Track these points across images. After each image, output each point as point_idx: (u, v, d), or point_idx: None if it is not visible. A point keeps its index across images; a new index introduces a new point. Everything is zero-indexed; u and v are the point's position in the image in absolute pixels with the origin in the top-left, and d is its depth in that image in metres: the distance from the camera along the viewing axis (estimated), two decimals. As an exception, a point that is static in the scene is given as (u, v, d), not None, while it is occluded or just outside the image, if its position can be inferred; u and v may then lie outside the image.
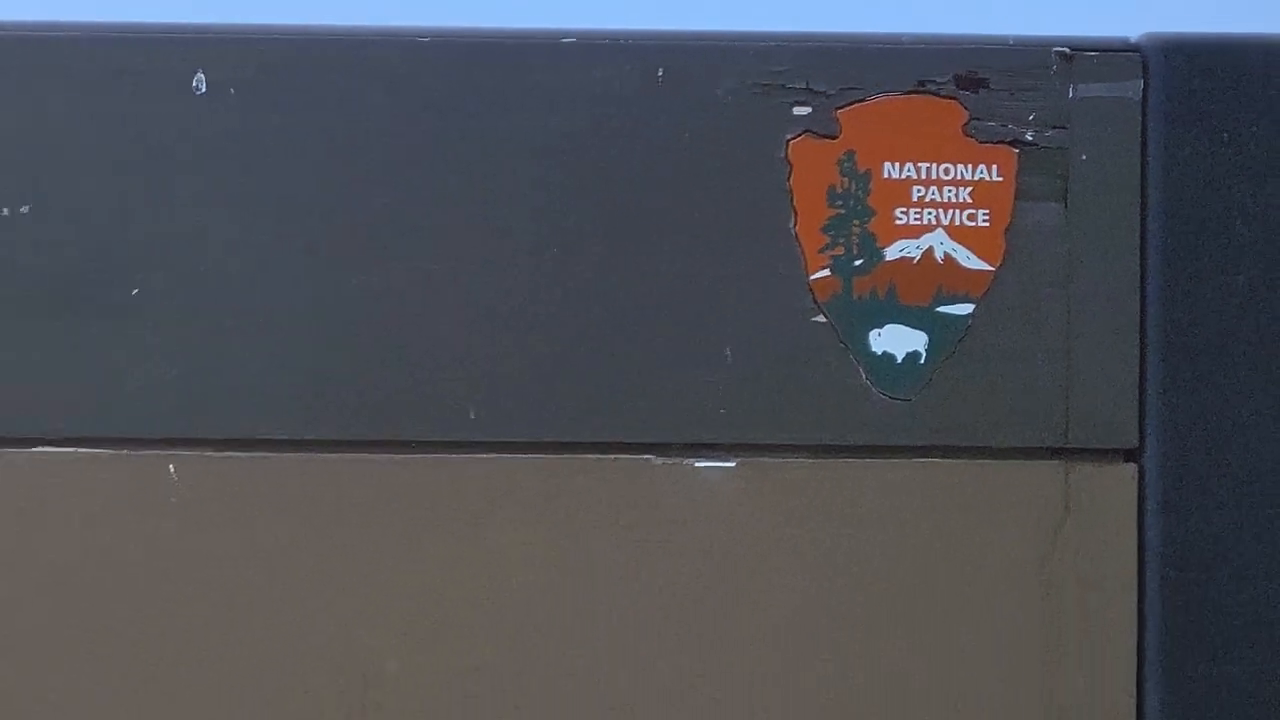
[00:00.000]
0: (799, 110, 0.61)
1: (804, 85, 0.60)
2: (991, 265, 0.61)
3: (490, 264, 0.60)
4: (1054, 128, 0.61)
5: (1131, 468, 0.61)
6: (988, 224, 0.61)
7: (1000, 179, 0.61)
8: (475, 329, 0.60)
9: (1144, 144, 0.61)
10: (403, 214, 0.61)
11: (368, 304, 0.61)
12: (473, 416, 0.61)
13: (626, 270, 0.61)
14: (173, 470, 0.61)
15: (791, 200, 0.61)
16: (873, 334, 0.61)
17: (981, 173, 0.61)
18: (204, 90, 0.61)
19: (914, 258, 0.61)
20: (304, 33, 0.61)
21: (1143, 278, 0.61)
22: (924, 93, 0.61)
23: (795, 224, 0.61)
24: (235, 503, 0.61)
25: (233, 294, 0.61)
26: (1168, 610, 0.60)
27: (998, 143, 0.61)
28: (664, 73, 0.61)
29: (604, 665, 0.61)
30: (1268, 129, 0.61)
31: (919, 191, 0.61)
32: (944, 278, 0.61)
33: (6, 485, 0.61)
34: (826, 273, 0.61)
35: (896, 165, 0.61)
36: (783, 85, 0.61)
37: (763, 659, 0.61)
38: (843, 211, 0.61)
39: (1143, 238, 0.61)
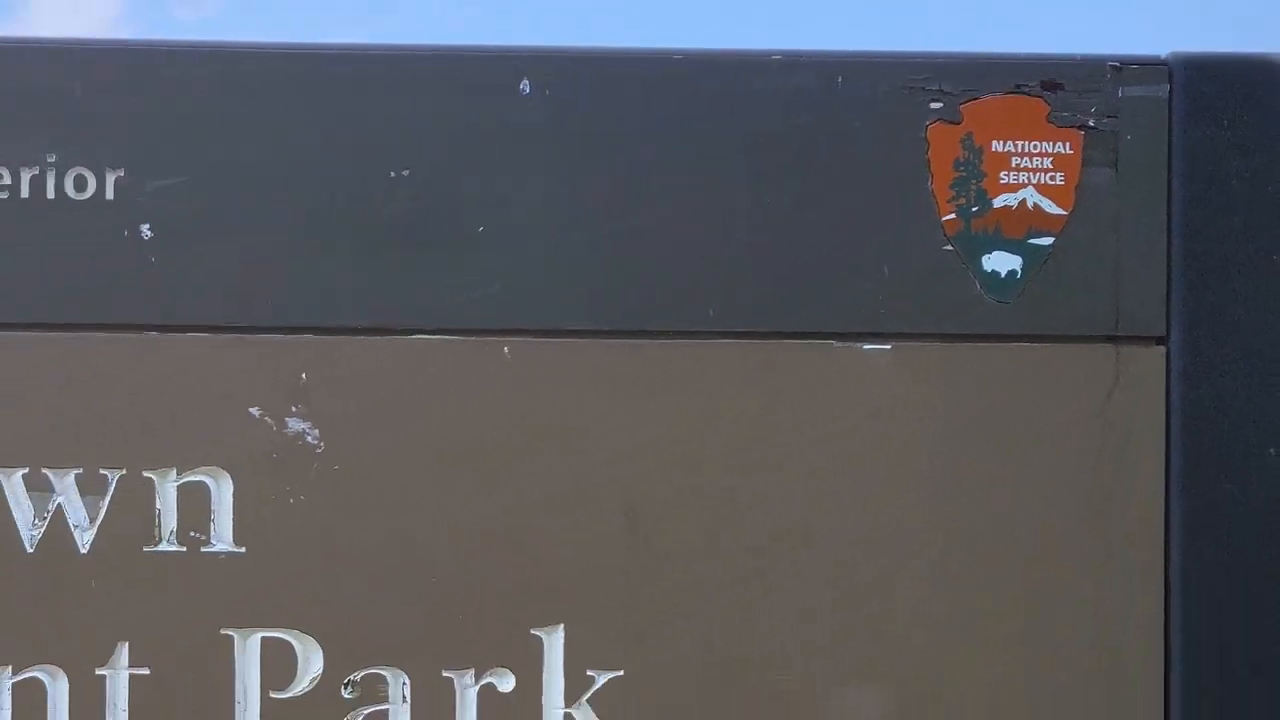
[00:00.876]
0: (934, 105, 0.89)
1: (937, 88, 0.89)
2: (1065, 211, 0.89)
3: (731, 211, 0.88)
4: (1108, 117, 0.89)
5: (1161, 349, 0.89)
6: (1063, 183, 0.89)
7: (1071, 152, 0.89)
8: (718, 261, 0.89)
9: (1169, 128, 0.89)
10: (666, 176, 0.89)
11: (639, 238, 0.89)
12: (711, 314, 0.89)
13: (818, 215, 0.89)
14: (507, 351, 0.89)
15: (929, 167, 0.89)
16: (984, 258, 0.89)
17: (1059, 148, 0.89)
18: (528, 92, 0.89)
19: (1012, 205, 0.89)
20: (600, 52, 0.90)
21: (1168, 221, 0.89)
22: (1019, 93, 0.89)
23: (932, 183, 0.89)
24: (550, 377, 0.89)
25: (538, 232, 0.89)
26: (1187, 445, 0.88)
27: (1070, 127, 0.89)
28: (842, 80, 0.89)
29: (798, 486, 0.89)
30: (1253, 118, 0.89)
31: (1016, 160, 0.89)
32: (1033, 220, 0.89)
33: (394, 363, 0.89)
34: (953, 216, 0.89)
35: (1001, 142, 0.89)
36: (923, 88, 0.89)
37: (912, 486, 0.89)
38: (964, 174, 0.89)
39: (1168, 193, 0.89)
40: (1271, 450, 0.89)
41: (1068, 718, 0.88)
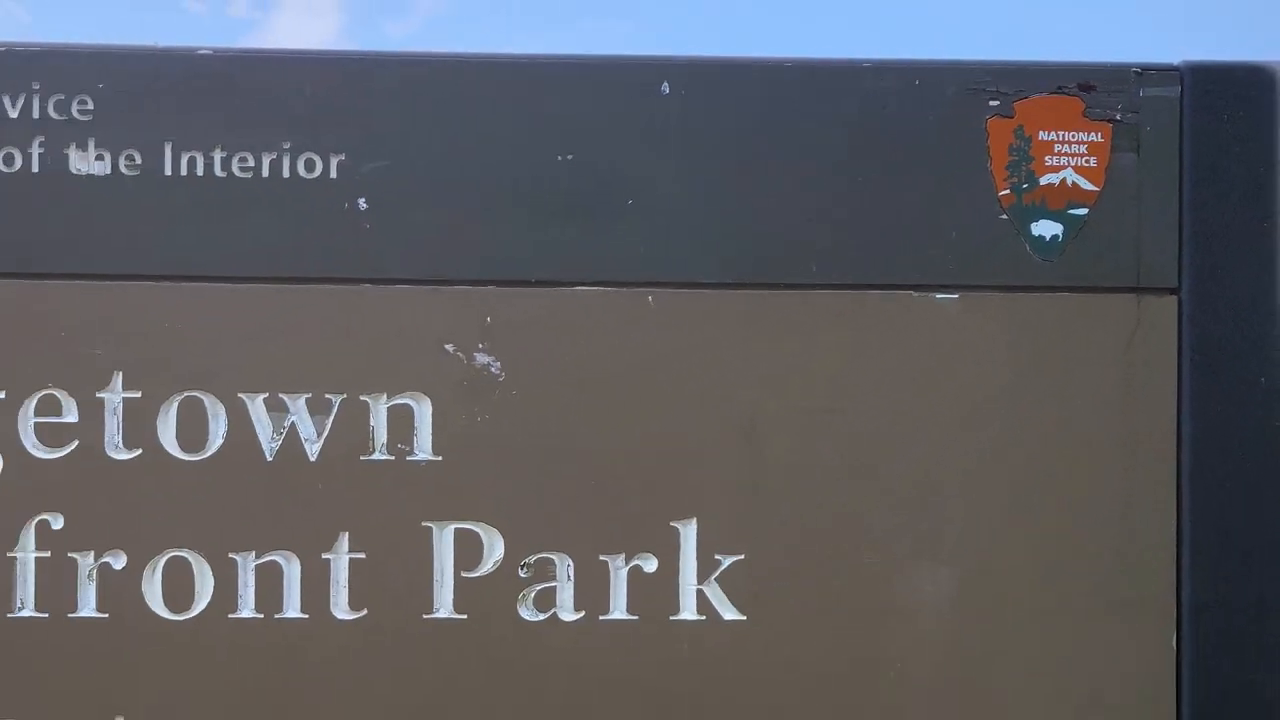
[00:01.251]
0: (992, 103, 1.11)
1: (995, 89, 1.11)
2: (1097, 187, 1.11)
3: (828, 188, 1.11)
4: (1131, 112, 1.11)
5: (1174, 298, 1.12)
6: (1095, 165, 1.11)
7: (1102, 140, 1.11)
8: (818, 227, 1.11)
9: (1180, 121, 1.11)
10: (777, 159, 1.11)
11: (755, 209, 1.11)
12: (814, 269, 1.11)
13: (899, 191, 1.11)
14: (650, 300, 1.11)
15: (988, 152, 1.11)
16: (1033, 225, 1.11)
17: (1092, 137, 1.11)
18: (667, 92, 1.11)
19: (1055, 183, 1.11)
20: (725, 60, 1.12)
21: (1180, 195, 1.12)
22: (1060, 93, 1.11)
23: (990, 165, 1.11)
24: (684, 320, 1.11)
25: (675, 204, 1.11)
26: (1195, 375, 1.11)
27: (1101, 120, 1.11)
28: (919, 83, 1.11)
29: (882, 406, 1.11)
30: (1247, 113, 1.11)
31: (1058, 147, 1.11)
32: (1071, 195, 1.11)
33: (560, 309, 1.11)
34: (1007, 191, 1.11)
35: (1046, 132, 1.11)
36: (983, 89, 1.11)
37: (975, 405, 1.11)
38: (1016, 158, 1.11)
39: (1180, 173, 1.12)
40: (1262, 379, 1.11)
41: (1101, 587, 1.10)
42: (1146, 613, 1.11)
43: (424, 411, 1.11)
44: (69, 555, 1.10)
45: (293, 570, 1.11)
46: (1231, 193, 1.12)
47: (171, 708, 1.10)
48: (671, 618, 1.11)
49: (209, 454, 1.11)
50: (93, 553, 1.10)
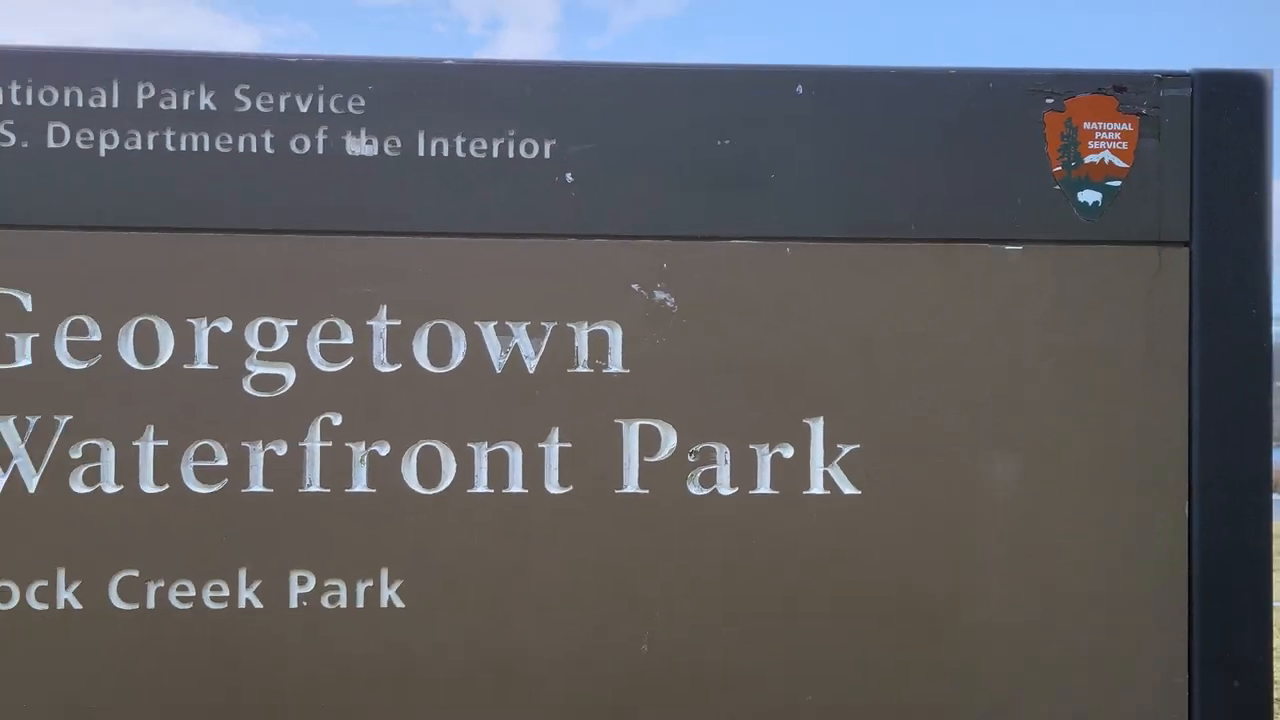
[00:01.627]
0: (1048, 101, 1.46)
1: (1050, 90, 1.46)
2: (1128, 165, 1.46)
3: (923, 165, 1.46)
4: (1154, 107, 1.46)
5: (1186, 250, 1.47)
6: (1126, 148, 1.46)
7: (1131, 129, 1.46)
8: (917, 196, 1.46)
9: (1191, 115, 1.47)
10: (885, 142, 1.46)
11: (868, 180, 1.46)
12: (913, 228, 1.46)
13: (976, 167, 1.46)
14: (788, 250, 1.46)
15: (1044, 138, 1.46)
16: (1079, 193, 1.46)
17: (1124, 127, 1.46)
18: (801, 92, 1.46)
19: (1096, 161, 1.46)
20: (845, 68, 1.47)
21: (1190, 171, 1.47)
22: (1100, 93, 1.46)
23: (1046, 148, 1.46)
24: (815, 265, 1.46)
25: (806, 177, 1.46)
26: (1201, 309, 1.46)
27: (1130, 114, 1.46)
28: (992, 86, 1.46)
29: (964, 328, 1.46)
30: (1243, 109, 1.47)
31: (1098, 134, 1.46)
32: (1108, 170, 1.46)
33: (719, 257, 1.46)
34: (1059, 168, 1.46)
35: (1089, 122, 1.46)
36: (1041, 90, 1.46)
37: (1036, 326, 1.46)
38: (1066, 143, 1.46)
39: (1190, 154, 1.47)
40: (1252, 310, 1.46)
41: (1129, 470, 1.45)
42: (1165, 490, 1.46)
43: (616, 335, 1.46)
44: (345, 445, 1.45)
45: (515, 456, 1.46)
46: (1229, 169, 1.47)
47: (424, 558, 1.45)
48: (803, 492, 1.46)
49: (452, 368, 1.46)
50: (364, 443, 1.45)
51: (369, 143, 1.45)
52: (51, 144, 1.43)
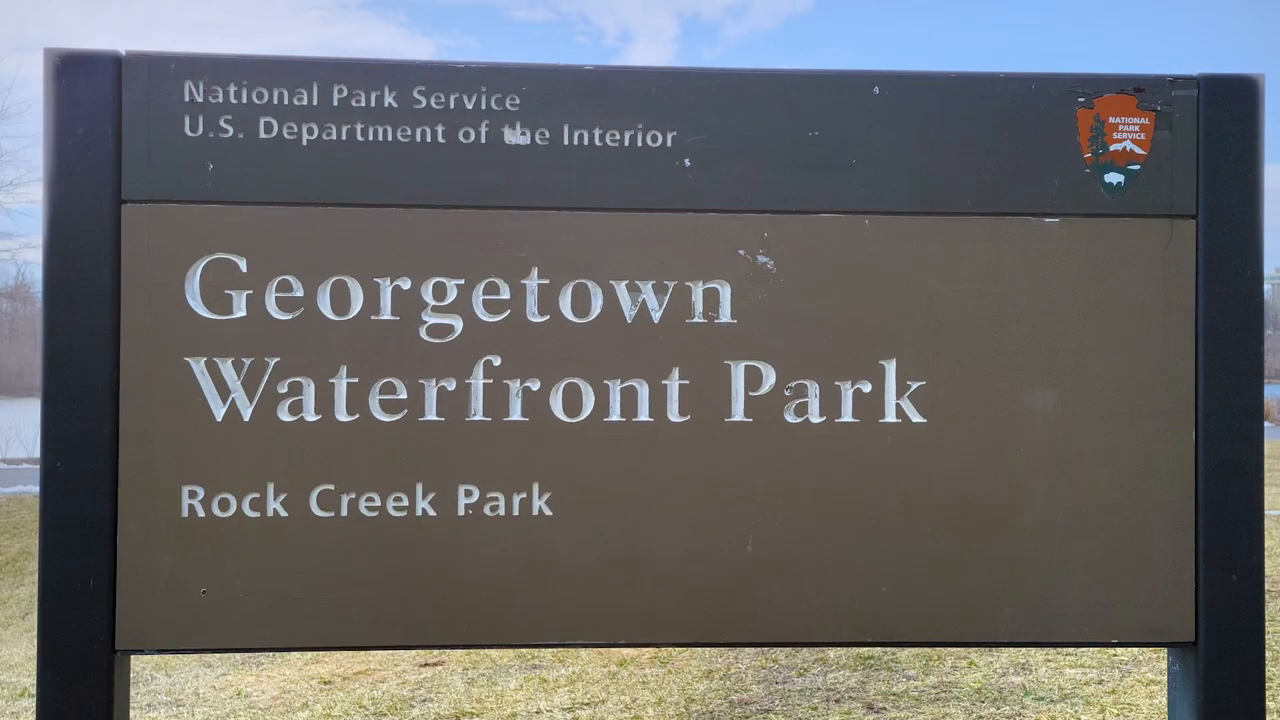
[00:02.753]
0: (1080, 99, 1.78)
1: (1082, 90, 1.78)
2: (1145, 152, 1.79)
3: (976, 152, 1.77)
4: (1167, 105, 1.78)
5: (1193, 221, 1.79)
6: (1144, 138, 1.78)
7: (1148, 123, 1.78)
8: (973, 179, 1.78)
9: (1198, 112, 1.79)
10: (947, 133, 1.78)
11: (933, 165, 1.78)
12: (969, 203, 1.78)
13: (1022, 154, 1.78)
14: (867, 223, 1.78)
15: (1077, 130, 1.78)
16: (1106, 175, 1.78)
17: (1142, 120, 1.78)
18: (878, 93, 1.78)
19: (1119, 149, 1.78)
20: (914, 73, 1.79)
21: (1197, 157, 1.79)
22: (1123, 93, 1.78)
23: (1078, 138, 1.78)
24: (889, 234, 1.78)
25: (882, 161, 1.78)
26: (1206, 270, 1.78)
27: (1148, 110, 1.78)
28: (1034, 87, 1.78)
29: (1013, 285, 1.78)
30: (1240, 107, 1.79)
31: (1121, 127, 1.78)
32: (1129, 156, 1.78)
33: (811, 228, 1.78)
34: (1089, 155, 1.78)
35: (1114, 117, 1.78)
36: (1073, 90, 1.78)
37: (1071, 282, 1.78)
38: (1094, 134, 1.78)
39: (1197, 143, 1.79)
40: (1247, 272, 1.78)
41: (1146, 398, 1.78)
42: (1176, 417, 1.78)
43: (725, 292, 1.78)
44: (503, 382, 1.77)
45: (643, 391, 1.78)
46: (1229, 155, 1.79)
47: (568, 474, 1.77)
48: (879, 420, 1.78)
49: (591, 319, 1.78)
50: (519, 380, 1.77)
51: (523, 134, 1.77)
52: (262, 135, 1.75)
